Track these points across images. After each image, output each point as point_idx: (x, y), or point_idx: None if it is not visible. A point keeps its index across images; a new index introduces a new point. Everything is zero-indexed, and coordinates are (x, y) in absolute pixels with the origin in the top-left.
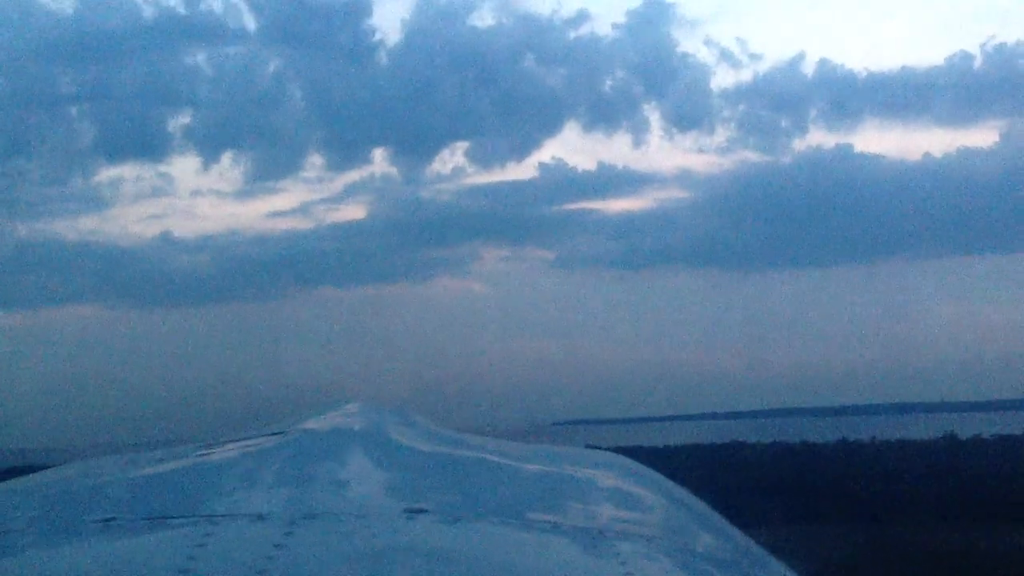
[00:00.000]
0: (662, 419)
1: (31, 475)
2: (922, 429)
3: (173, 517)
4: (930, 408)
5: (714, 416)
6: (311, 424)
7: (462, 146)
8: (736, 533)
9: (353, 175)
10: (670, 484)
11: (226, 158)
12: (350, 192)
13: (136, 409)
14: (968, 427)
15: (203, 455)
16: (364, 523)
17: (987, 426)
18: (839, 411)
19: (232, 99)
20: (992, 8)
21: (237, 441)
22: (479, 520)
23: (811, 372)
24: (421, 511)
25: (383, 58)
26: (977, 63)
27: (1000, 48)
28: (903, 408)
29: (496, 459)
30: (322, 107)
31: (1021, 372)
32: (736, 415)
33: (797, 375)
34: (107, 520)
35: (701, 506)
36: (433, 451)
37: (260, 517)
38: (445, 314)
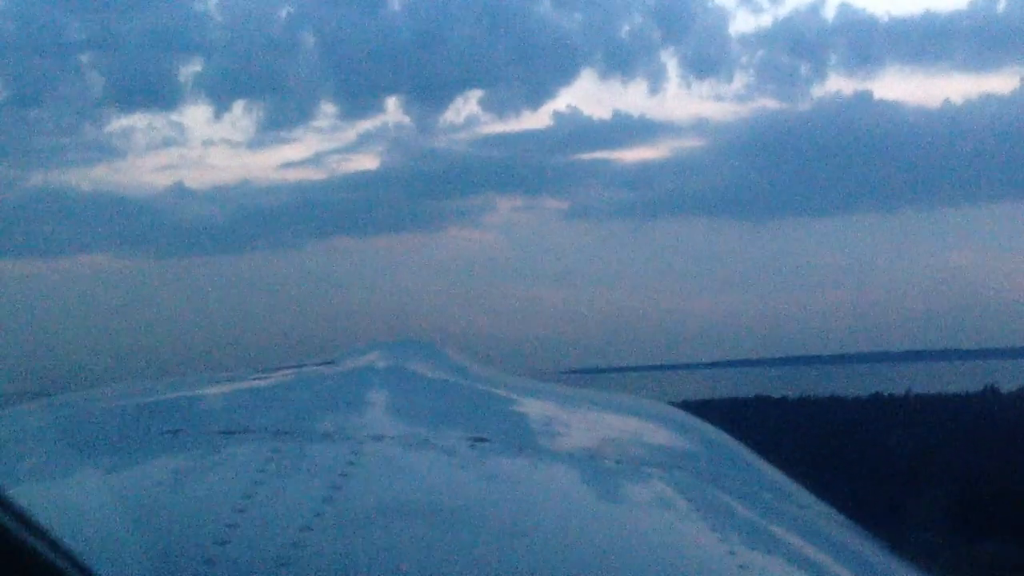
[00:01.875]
0: (674, 367)
1: (83, 392)
2: (951, 379)
3: (240, 432)
4: (946, 355)
5: (728, 364)
6: (362, 356)
7: (476, 95)
8: (789, 483)
9: (366, 124)
10: (715, 430)
11: (238, 107)
12: (363, 142)
13: (149, 358)
14: (992, 375)
15: (259, 379)
16: (429, 448)
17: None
18: (855, 358)
19: (243, 47)
20: None
21: (290, 368)
22: (539, 451)
23: (825, 319)
24: (482, 440)
25: (396, 4)
26: (1001, 6)
27: None
28: (919, 355)
29: (548, 397)
30: (334, 55)
31: None
32: (749, 362)
33: (811, 322)
34: (175, 431)
35: (750, 453)
36: (488, 388)
37: (327, 436)
38: (457, 264)
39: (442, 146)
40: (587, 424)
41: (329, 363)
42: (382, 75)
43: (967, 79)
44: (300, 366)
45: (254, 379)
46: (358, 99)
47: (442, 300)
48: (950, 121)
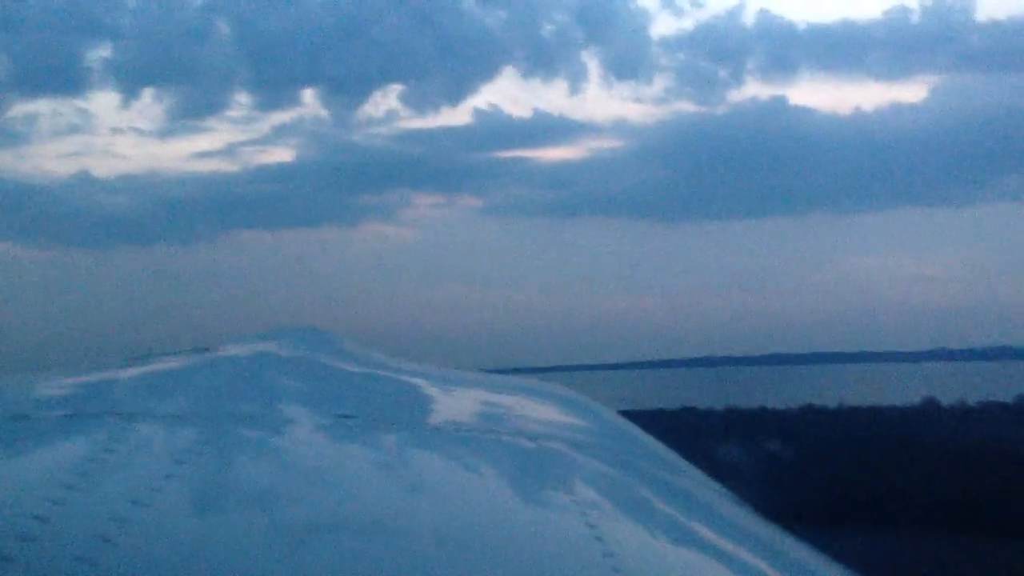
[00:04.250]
0: (591, 367)
1: None
2: (847, 383)
3: (88, 416)
4: (856, 358)
5: (648, 365)
6: (238, 343)
7: (396, 89)
8: (679, 459)
9: (282, 116)
10: (600, 406)
11: (148, 94)
12: (278, 134)
13: (51, 350)
14: (884, 378)
15: (123, 367)
16: (286, 425)
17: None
18: (767, 360)
19: (155, 32)
20: None
21: (161, 356)
22: (402, 426)
23: (741, 321)
24: (347, 417)
25: None
26: (914, 17)
27: (938, 3)
28: (832, 357)
29: (436, 380)
30: (250, 44)
31: (944, 323)
32: (667, 363)
33: (727, 324)
34: (20, 416)
35: (640, 432)
36: (362, 369)
37: (180, 418)
38: (372, 260)
39: (360, 140)
40: (466, 402)
41: (205, 350)
42: (299, 66)
43: (879, 87)
44: (175, 354)
45: (123, 366)
46: (274, 90)
47: (354, 295)
48: (860, 128)
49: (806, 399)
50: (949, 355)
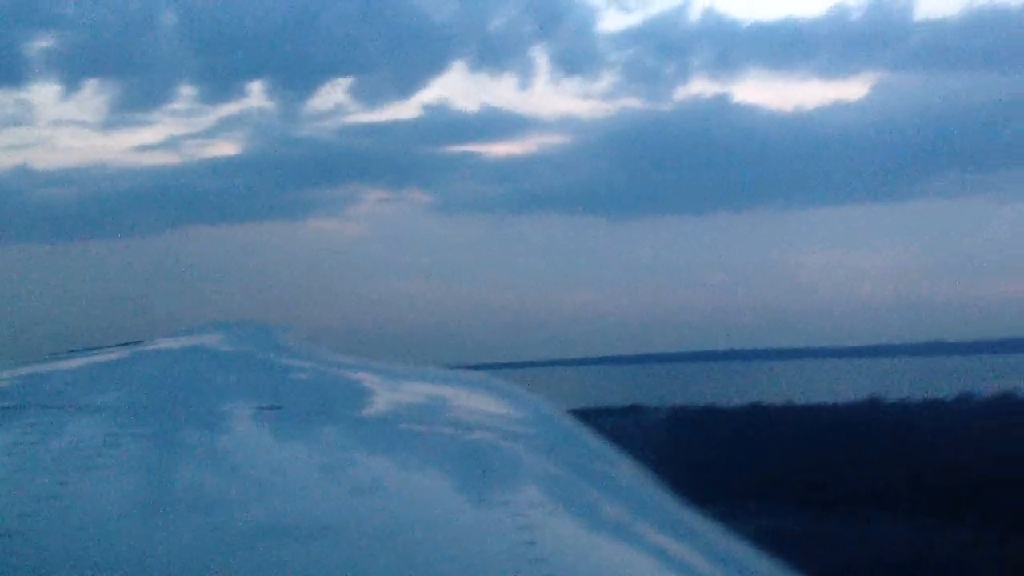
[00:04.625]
0: (540, 364)
1: None
2: (794, 379)
3: (8, 407)
4: (799, 354)
5: (599, 361)
6: (171, 338)
7: (344, 82)
8: (611, 450)
9: (228, 109)
10: (538, 399)
11: (90, 86)
12: (224, 127)
13: None
14: (831, 373)
15: (53, 360)
16: (212, 418)
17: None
18: (715, 356)
19: (98, 22)
20: None
21: (92, 350)
22: (329, 417)
23: (687, 317)
24: (275, 408)
25: None
26: (856, 16)
27: (878, 2)
28: (775, 353)
29: (364, 371)
30: (196, 35)
31: (885, 319)
32: (610, 360)
33: (673, 320)
34: None
35: (571, 421)
36: (297, 362)
37: (99, 409)
38: (320, 256)
39: (307, 134)
40: (402, 395)
41: (137, 344)
42: (246, 58)
43: (821, 85)
44: (107, 348)
45: (52, 360)
46: (220, 82)
47: (300, 291)
48: (802, 125)
49: (756, 395)
50: (888, 350)
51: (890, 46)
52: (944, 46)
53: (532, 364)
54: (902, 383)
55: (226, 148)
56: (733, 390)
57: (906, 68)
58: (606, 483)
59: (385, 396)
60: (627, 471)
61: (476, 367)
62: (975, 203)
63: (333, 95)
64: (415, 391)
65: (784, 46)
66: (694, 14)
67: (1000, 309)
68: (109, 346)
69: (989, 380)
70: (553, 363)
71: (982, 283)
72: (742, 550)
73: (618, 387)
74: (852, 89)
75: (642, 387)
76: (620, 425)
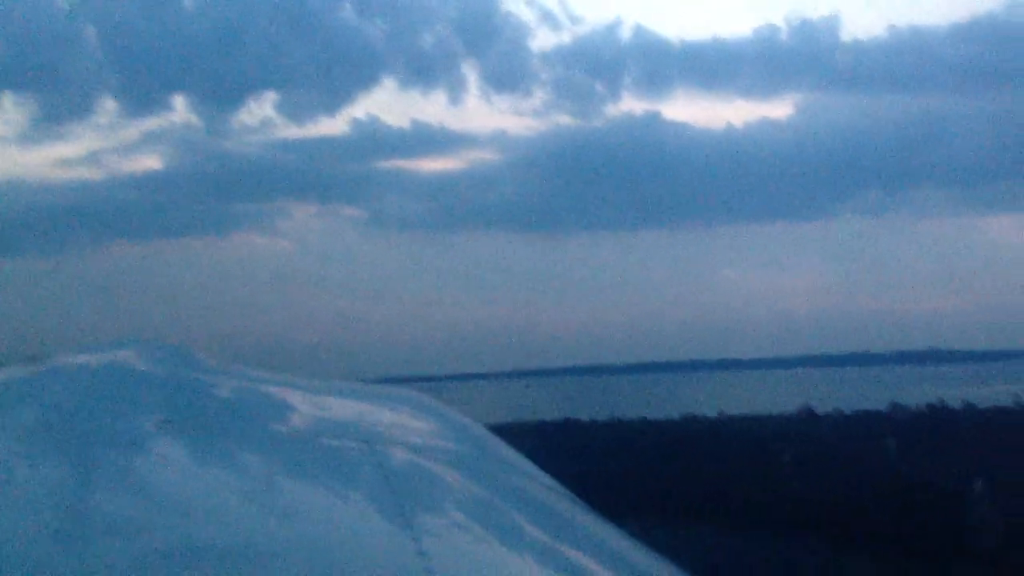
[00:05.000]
0: (465, 377)
1: None
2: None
3: None
4: (726, 365)
5: (531, 373)
6: (73, 356)
7: (271, 97)
8: (528, 464)
9: (151, 123)
10: (453, 412)
11: (7, 99)
12: (147, 141)
13: None
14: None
15: None
16: (106, 431)
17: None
18: (642, 368)
19: (17, 34)
20: None
21: None
22: (238, 434)
23: (615, 332)
24: (167, 422)
25: None
26: (783, 36)
27: (805, 23)
28: (704, 365)
29: (277, 385)
30: (118, 48)
31: (804, 332)
32: (547, 372)
33: (602, 333)
34: None
35: (486, 434)
36: (206, 378)
37: (3, 428)
38: (246, 271)
39: (233, 149)
40: (313, 408)
41: (35, 361)
42: (170, 72)
43: (749, 104)
44: (4, 365)
45: None
46: (143, 96)
47: (225, 307)
48: (731, 144)
49: (683, 407)
50: (812, 361)
51: (816, 66)
52: (868, 67)
53: (455, 378)
54: (820, 393)
55: (150, 163)
56: (653, 401)
57: (831, 88)
58: (519, 497)
59: (299, 412)
60: (542, 485)
61: (400, 381)
62: (895, 220)
63: (260, 110)
64: (330, 406)
65: (713, 65)
66: (625, 33)
67: (921, 321)
68: (4, 364)
69: (892, 390)
70: (477, 376)
71: (904, 297)
72: (649, 561)
73: (544, 401)
74: (779, 108)
75: (571, 399)
76: (551, 438)
